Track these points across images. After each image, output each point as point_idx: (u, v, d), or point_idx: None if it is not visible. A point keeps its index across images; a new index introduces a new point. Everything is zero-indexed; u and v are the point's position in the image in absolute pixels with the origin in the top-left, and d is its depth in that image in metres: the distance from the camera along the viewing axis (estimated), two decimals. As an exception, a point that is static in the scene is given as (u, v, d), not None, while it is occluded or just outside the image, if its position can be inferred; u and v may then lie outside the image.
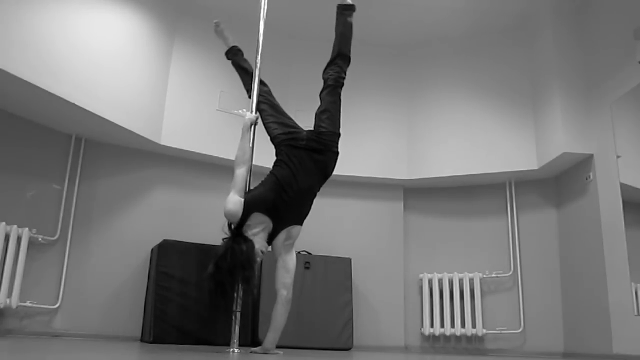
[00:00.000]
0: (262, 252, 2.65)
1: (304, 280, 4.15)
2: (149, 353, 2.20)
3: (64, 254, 3.99)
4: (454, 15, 4.71)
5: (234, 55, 3.37)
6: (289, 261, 2.76)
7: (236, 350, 2.74)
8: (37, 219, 3.88)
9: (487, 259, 4.76)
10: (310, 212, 2.86)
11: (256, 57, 3.17)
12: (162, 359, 1.84)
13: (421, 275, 4.82)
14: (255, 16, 3.29)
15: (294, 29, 4.99)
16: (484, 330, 4.54)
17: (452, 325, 4.62)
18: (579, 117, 4.18)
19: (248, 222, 2.63)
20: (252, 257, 2.54)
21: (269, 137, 3.02)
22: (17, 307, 3.61)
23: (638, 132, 3.69)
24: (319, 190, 2.89)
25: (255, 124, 2.98)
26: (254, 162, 2.96)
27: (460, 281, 4.69)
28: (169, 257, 3.87)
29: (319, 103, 3.00)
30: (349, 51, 3.07)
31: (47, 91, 3.45)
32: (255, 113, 3.04)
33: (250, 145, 2.93)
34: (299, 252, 4.21)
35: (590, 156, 4.12)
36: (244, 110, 3.12)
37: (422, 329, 4.71)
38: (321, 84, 3.04)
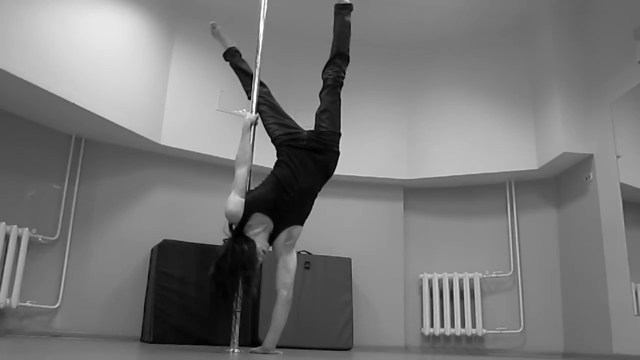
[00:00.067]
0: (263, 252, 2.65)
1: (304, 280, 4.15)
2: (149, 353, 2.20)
3: (64, 254, 3.99)
4: (454, 15, 4.71)
5: (232, 57, 3.36)
6: (290, 261, 2.76)
7: (236, 350, 2.74)
8: (37, 219, 3.88)
9: (487, 259, 4.76)
10: (311, 212, 2.86)
11: (256, 57, 3.17)
12: (162, 359, 1.84)
13: (421, 275, 4.82)
14: (255, 16, 3.29)
15: (294, 29, 4.99)
16: (484, 330, 4.54)
17: (452, 325, 4.62)
18: (579, 117, 4.18)
19: (249, 223, 2.63)
20: (254, 257, 2.54)
21: (269, 138, 3.02)
22: (17, 307, 3.61)
23: (638, 132, 3.69)
24: (320, 190, 2.89)
25: (256, 124, 2.98)
26: (254, 162, 2.96)
27: (460, 281, 4.69)
28: (169, 257, 3.87)
29: (319, 103, 3.00)
30: (348, 50, 3.07)
31: (47, 91, 3.45)
32: (255, 113, 3.04)
33: (251, 145, 2.93)
34: (299, 252, 4.21)
35: (590, 156, 4.12)
36: (244, 110, 3.12)
37: (422, 329, 4.71)
38: (321, 84, 3.04)
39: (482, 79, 4.86)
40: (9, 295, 3.57)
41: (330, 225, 4.81)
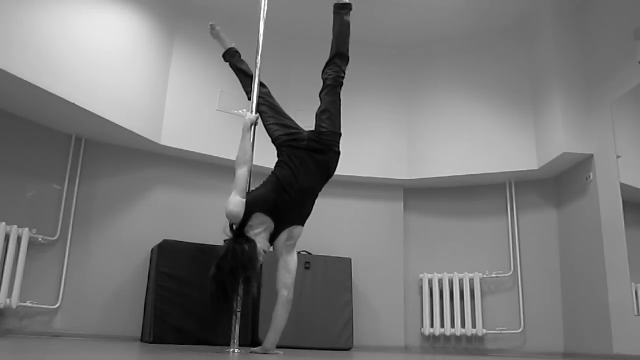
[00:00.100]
0: (264, 251, 2.66)
1: (304, 280, 4.15)
2: (149, 353, 2.20)
3: (64, 254, 3.99)
4: (454, 15, 4.71)
5: (231, 57, 3.36)
6: (290, 261, 2.77)
7: (236, 350, 2.74)
8: (37, 219, 3.88)
9: (487, 259, 4.76)
10: (311, 212, 2.86)
11: (256, 57, 3.16)
12: (162, 359, 1.84)
13: (421, 275, 4.82)
14: (255, 16, 3.29)
15: (294, 29, 4.99)
16: (484, 330, 4.54)
17: (452, 325, 4.62)
18: (579, 117, 4.18)
19: (250, 223, 2.63)
20: (254, 256, 2.54)
21: (269, 138, 3.03)
22: (17, 307, 3.61)
23: (638, 132, 3.69)
24: (320, 190, 2.89)
25: (256, 124, 2.98)
26: (254, 163, 2.95)
27: (460, 281, 4.69)
28: (169, 257, 3.86)
29: (319, 103, 3.00)
30: (347, 50, 3.07)
31: (47, 91, 3.45)
32: (255, 113, 3.04)
33: (251, 145, 2.93)
34: (299, 252, 4.20)
35: (590, 156, 4.12)
36: (244, 110, 3.12)
37: (422, 329, 4.71)
38: (321, 84, 3.04)
39: (482, 79, 4.86)
40: (9, 295, 3.57)
41: (330, 225, 4.81)
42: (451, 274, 4.73)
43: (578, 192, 4.29)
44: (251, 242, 2.57)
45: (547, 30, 4.44)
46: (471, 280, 4.68)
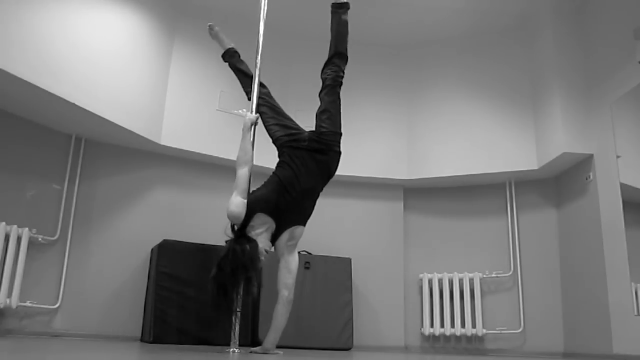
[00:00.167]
0: (266, 251, 2.66)
1: (304, 280, 4.15)
2: (149, 353, 2.20)
3: (64, 254, 3.99)
4: (454, 15, 4.71)
5: (231, 58, 3.36)
6: (292, 262, 2.77)
7: (236, 350, 2.74)
8: (37, 219, 3.88)
9: (487, 259, 4.76)
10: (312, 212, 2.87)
11: (256, 57, 3.16)
12: (162, 359, 1.84)
13: (421, 275, 4.82)
14: (255, 16, 3.29)
15: (294, 29, 4.99)
16: (484, 330, 4.54)
17: (452, 325, 4.62)
18: (579, 117, 4.18)
19: (251, 223, 2.64)
20: (256, 256, 2.54)
21: (269, 138, 3.03)
22: (17, 307, 3.61)
23: (638, 132, 3.69)
24: (322, 191, 2.89)
25: (256, 124, 2.98)
26: (254, 163, 2.95)
27: (460, 281, 4.69)
28: (169, 257, 3.86)
29: (319, 103, 3.00)
30: (346, 49, 3.06)
31: (47, 91, 3.45)
32: (255, 114, 3.04)
33: (252, 145, 2.93)
34: (299, 252, 4.20)
35: (590, 156, 4.12)
36: (244, 110, 3.12)
37: (422, 329, 4.71)
38: (321, 84, 3.04)
39: (482, 79, 4.86)
40: (9, 295, 3.57)
41: (330, 225, 4.81)
42: (451, 274, 4.73)
43: (578, 192, 4.29)
44: (253, 242, 2.57)
45: (547, 30, 4.44)
46: (471, 280, 4.68)
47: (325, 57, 3.07)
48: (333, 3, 3.14)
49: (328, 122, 2.91)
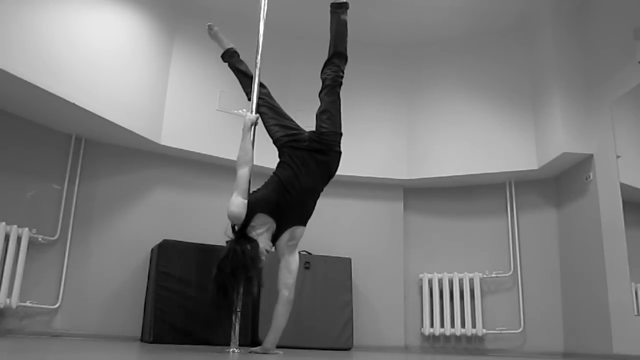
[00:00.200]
0: (266, 251, 2.66)
1: (304, 280, 4.15)
2: (149, 353, 2.20)
3: (64, 254, 3.99)
4: (454, 15, 4.71)
5: (230, 58, 3.36)
6: (292, 262, 2.77)
7: (236, 350, 2.74)
8: (37, 219, 3.88)
9: (487, 259, 4.76)
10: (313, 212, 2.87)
11: (256, 57, 3.16)
12: (162, 359, 1.84)
13: (421, 275, 4.82)
14: (255, 16, 3.29)
15: (294, 29, 4.99)
16: (484, 330, 4.54)
17: (452, 325, 4.62)
18: (579, 117, 4.18)
19: (252, 224, 2.64)
20: (257, 256, 2.54)
21: (269, 138, 3.03)
22: (17, 307, 3.61)
23: (638, 132, 3.69)
24: (322, 191, 2.89)
25: (256, 124, 2.98)
26: (254, 163, 2.95)
27: (460, 281, 4.69)
28: (169, 257, 3.86)
29: (319, 103, 3.00)
30: (345, 49, 3.06)
31: (47, 91, 3.45)
32: (255, 114, 3.04)
33: (252, 145, 2.93)
34: (299, 252, 4.20)
35: (590, 156, 4.12)
36: (244, 110, 3.12)
37: (422, 329, 4.71)
38: (321, 84, 3.04)
39: (482, 79, 4.86)
40: (9, 295, 3.57)
41: (330, 225, 4.81)
42: (451, 274, 4.73)
43: (578, 192, 4.29)
44: (254, 243, 2.58)
45: (547, 30, 4.44)
46: (471, 280, 4.68)
47: (325, 57, 3.07)
48: (332, 3, 3.14)
49: (328, 122, 2.91)
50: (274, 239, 2.74)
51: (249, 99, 3.13)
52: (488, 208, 4.90)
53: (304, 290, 4.12)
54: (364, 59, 5.04)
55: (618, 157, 3.79)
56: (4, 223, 3.57)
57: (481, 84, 4.86)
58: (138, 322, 4.12)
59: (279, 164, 2.88)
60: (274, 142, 2.98)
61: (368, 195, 5.02)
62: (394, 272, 4.87)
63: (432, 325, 4.67)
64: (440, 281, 4.75)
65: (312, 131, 2.91)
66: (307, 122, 3.13)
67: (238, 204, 2.62)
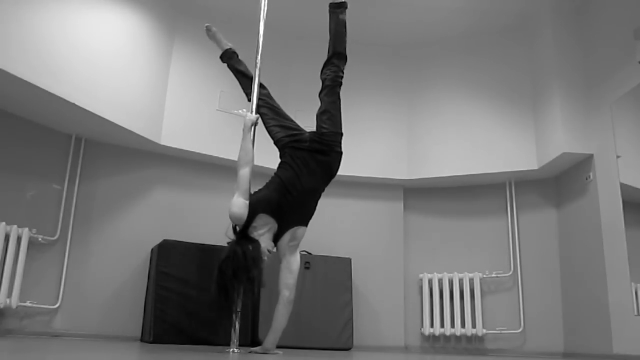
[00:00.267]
0: (268, 251, 2.66)
1: (304, 280, 4.15)
2: (149, 353, 2.20)
3: (64, 254, 3.99)
4: (454, 15, 4.71)
5: (229, 59, 3.35)
6: (293, 262, 2.78)
7: (236, 350, 2.74)
8: (37, 219, 3.88)
9: (487, 259, 4.76)
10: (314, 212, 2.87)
11: (256, 58, 3.16)
12: (162, 359, 1.84)
13: (421, 275, 4.82)
14: (255, 16, 3.29)
15: (294, 29, 4.99)
16: (484, 330, 4.54)
17: (452, 325, 4.62)
18: (579, 117, 4.18)
19: (254, 224, 2.64)
20: (258, 257, 2.55)
21: (270, 139, 3.03)
22: (17, 307, 3.61)
23: (638, 132, 3.69)
24: (323, 191, 2.90)
25: (256, 124, 2.98)
26: (254, 163, 2.95)
27: (460, 281, 4.69)
28: (169, 257, 3.86)
29: (319, 104, 3.00)
30: (345, 49, 3.06)
31: (47, 91, 3.45)
32: (255, 114, 3.04)
33: (252, 145, 2.93)
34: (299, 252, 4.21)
35: (590, 156, 4.12)
36: (244, 110, 3.12)
37: (422, 329, 4.71)
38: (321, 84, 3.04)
39: (482, 79, 4.86)
40: (9, 295, 3.57)
41: (330, 225, 4.81)
42: (451, 274, 4.73)
43: (578, 192, 4.29)
44: (255, 243, 2.58)
45: (547, 30, 4.44)
46: (471, 280, 4.68)
47: (325, 57, 3.07)
48: (331, 3, 3.14)
49: (329, 122, 2.91)
50: (276, 239, 2.74)
51: (249, 100, 3.13)
52: (488, 208, 4.90)
53: (304, 290, 4.12)
54: (364, 59, 5.04)
55: (618, 157, 3.79)
56: (4, 223, 3.57)
57: (481, 84, 4.86)
58: (138, 322, 4.12)
59: (280, 164, 2.88)
60: (275, 143, 2.98)
61: (368, 195, 5.02)
62: (394, 272, 4.87)
63: (432, 325, 4.67)
64: (440, 281, 4.75)
65: (313, 132, 2.91)
66: (307, 122, 3.13)
67: (239, 204, 2.62)
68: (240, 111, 3.18)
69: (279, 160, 2.92)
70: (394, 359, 2.91)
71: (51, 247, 3.94)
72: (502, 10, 4.64)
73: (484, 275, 4.69)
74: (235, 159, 2.84)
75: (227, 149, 4.42)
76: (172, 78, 4.48)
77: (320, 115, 2.95)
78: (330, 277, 4.29)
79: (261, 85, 3.13)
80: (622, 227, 3.68)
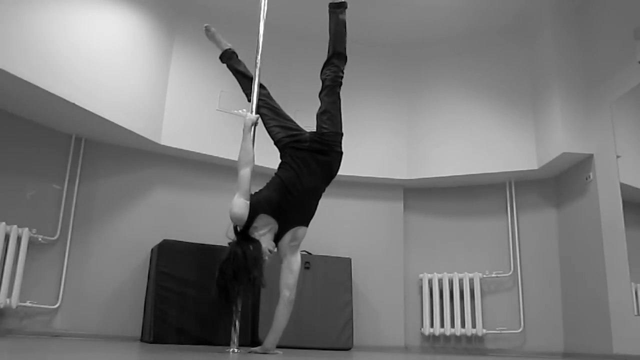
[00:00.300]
0: (270, 251, 2.66)
1: (304, 280, 4.14)
2: (149, 353, 2.20)
3: (64, 254, 3.99)
4: (454, 15, 4.71)
5: (229, 59, 3.35)
6: (294, 262, 2.78)
7: (236, 350, 2.74)
8: (37, 219, 3.88)
9: (487, 259, 4.76)
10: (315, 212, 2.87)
11: (256, 58, 3.16)
12: (162, 359, 1.84)
13: (421, 275, 4.82)
14: (255, 16, 3.29)
15: (294, 29, 4.99)
16: (484, 330, 4.54)
17: (452, 325, 4.62)
18: (579, 117, 4.18)
19: (255, 225, 2.64)
20: (259, 257, 2.55)
21: (270, 139, 3.03)
22: (17, 307, 3.61)
23: (638, 132, 3.69)
24: (324, 191, 2.90)
25: (256, 124, 2.98)
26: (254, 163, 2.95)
27: (460, 281, 4.69)
28: (169, 257, 3.86)
29: (319, 104, 3.00)
30: (345, 49, 3.06)
31: (47, 91, 3.45)
32: (255, 114, 3.04)
33: (253, 145, 2.93)
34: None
35: (590, 156, 4.12)
36: (244, 110, 3.12)
37: (422, 329, 4.71)
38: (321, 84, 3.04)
39: (482, 79, 4.86)
40: (9, 295, 3.57)
41: (330, 225, 4.81)
42: (451, 274, 4.73)
43: (578, 192, 4.29)
44: (256, 243, 2.58)
45: (547, 30, 4.44)
46: (471, 280, 4.68)
47: (325, 57, 3.07)
48: (330, 3, 3.14)
49: (329, 122, 2.91)
50: (276, 239, 2.75)
51: (249, 100, 3.13)
52: (488, 208, 4.90)
53: (304, 290, 4.12)
54: (364, 59, 5.04)
55: (618, 157, 3.79)
56: (4, 223, 3.57)
57: (481, 84, 4.86)
58: (138, 322, 4.12)
59: (280, 164, 2.88)
60: (275, 144, 2.98)
61: (368, 195, 5.02)
62: (394, 272, 4.87)
63: (432, 325, 4.67)
64: (440, 281, 4.75)
65: (313, 132, 2.92)
66: (307, 122, 3.13)
67: (240, 205, 2.63)
68: (240, 111, 3.18)
69: (280, 161, 2.92)
70: (394, 359, 2.91)
71: (51, 247, 3.94)
72: (502, 10, 4.64)
73: (484, 275, 4.69)
74: (236, 159, 2.84)
75: (227, 149, 4.42)
76: (172, 78, 4.48)
77: (320, 116, 2.95)
78: (330, 277, 4.29)
79: (261, 86, 3.12)
80: (622, 227, 3.68)
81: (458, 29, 4.92)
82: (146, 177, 4.45)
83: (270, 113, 3.06)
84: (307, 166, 2.80)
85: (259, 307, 3.88)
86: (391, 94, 5.11)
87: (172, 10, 4.55)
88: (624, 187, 3.72)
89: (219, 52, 3.40)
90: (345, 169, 4.48)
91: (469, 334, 4.56)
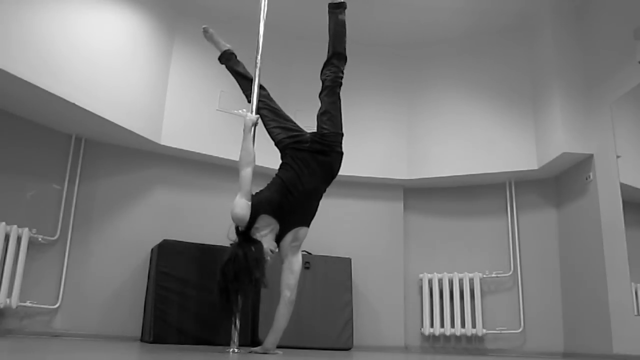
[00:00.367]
0: (271, 251, 2.67)
1: (304, 280, 4.14)
2: (149, 353, 2.20)
3: (64, 254, 3.99)
4: (454, 15, 4.71)
5: (227, 60, 3.35)
6: (295, 263, 2.78)
7: (236, 350, 2.74)
8: (37, 219, 3.88)
9: (487, 259, 4.76)
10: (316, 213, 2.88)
11: (256, 58, 3.16)
12: (162, 359, 1.84)
13: (421, 275, 4.82)
14: (255, 16, 3.29)
15: (294, 29, 4.99)
16: (484, 330, 4.54)
17: (452, 325, 4.62)
18: (579, 117, 4.18)
19: (256, 225, 2.65)
20: (261, 258, 2.55)
21: (270, 139, 3.03)
22: (17, 307, 3.61)
23: (638, 132, 3.69)
24: (325, 191, 2.90)
25: (256, 124, 2.98)
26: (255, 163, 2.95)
27: (460, 281, 4.69)
28: (169, 257, 3.86)
29: (319, 104, 3.00)
30: (344, 49, 3.06)
31: (47, 91, 3.45)
32: (256, 114, 3.04)
33: (253, 145, 2.93)
34: (299, 252, 4.20)
35: (590, 156, 4.12)
36: (244, 110, 3.12)
37: (422, 329, 4.71)
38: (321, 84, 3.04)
39: (482, 79, 4.86)
40: (9, 295, 3.57)
41: (330, 225, 4.81)
42: (451, 274, 4.73)
43: (578, 192, 4.29)
44: (258, 244, 2.59)
45: (547, 30, 4.44)
46: (471, 280, 4.68)
47: (325, 57, 3.07)
48: (330, 3, 3.14)
49: (329, 123, 2.91)
50: (278, 240, 2.75)
51: (249, 101, 3.13)
52: (488, 208, 4.90)
53: (304, 290, 4.11)
54: (364, 59, 5.04)
55: (618, 157, 3.79)
56: (4, 223, 3.57)
57: (481, 84, 4.86)
58: (138, 322, 4.12)
59: (281, 165, 2.88)
60: (276, 144, 2.99)
61: (368, 195, 5.02)
62: (394, 272, 4.87)
63: (432, 325, 4.67)
64: (440, 281, 4.75)
65: (314, 132, 2.92)
66: (307, 122, 3.13)
67: (242, 205, 2.63)
68: (240, 111, 3.18)
69: (280, 161, 2.92)
70: (394, 359, 2.91)
71: (51, 247, 3.94)
72: (502, 10, 4.64)
73: (484, 275, 4.69)
74: (236, 159, 2.85)
75: (227, 149, 4.42)
76: (172, 78, 4.48)
77: (320, 116, 2.95)
78: (330, 277, 4.29)
79: (261, 87, 3.13)
80: (622, 227, 3.68)
81: (458, 29, 4.92)
82: (146, 177, 4.45)
83: (270, 114, 3.06)
84: (308, 167, 2.80)
85: (259, 307, 3.88)
86: (391, 94, 5.11)
87: (172, 10, 4.55)
88: (624, 187, 3.72)
89: (218, 53, 3.40)
90: (346, 169, 4.47)
91: (469, 334, 4.57)
